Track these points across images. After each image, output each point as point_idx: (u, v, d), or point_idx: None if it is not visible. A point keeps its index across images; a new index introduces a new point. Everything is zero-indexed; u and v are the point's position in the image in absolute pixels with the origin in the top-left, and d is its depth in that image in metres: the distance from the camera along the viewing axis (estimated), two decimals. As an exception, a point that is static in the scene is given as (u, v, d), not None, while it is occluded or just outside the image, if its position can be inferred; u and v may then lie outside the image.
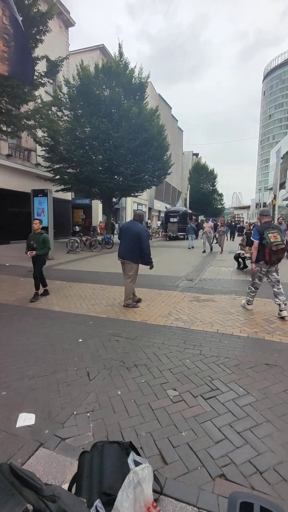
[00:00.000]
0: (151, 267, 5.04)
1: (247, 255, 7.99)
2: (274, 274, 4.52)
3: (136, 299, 5.18)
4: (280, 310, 4.35)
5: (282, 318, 4.30)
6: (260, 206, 52.11)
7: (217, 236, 14.07)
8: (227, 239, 14.06)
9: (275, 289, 4.46)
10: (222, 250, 13.33)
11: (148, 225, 29.23)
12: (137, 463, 1.50)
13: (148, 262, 4.93)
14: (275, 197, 21.22)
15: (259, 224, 4.75)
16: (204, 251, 13.14)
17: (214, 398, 2.42)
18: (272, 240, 4.27)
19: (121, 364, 3.01)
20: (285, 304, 4.36)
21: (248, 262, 8.46)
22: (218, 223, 16.34)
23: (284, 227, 10.00)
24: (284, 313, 4.29)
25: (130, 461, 1.50)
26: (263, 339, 3.61)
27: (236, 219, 49.93)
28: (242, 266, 8.53)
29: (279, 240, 4.28)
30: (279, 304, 4.36)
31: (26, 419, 2.20)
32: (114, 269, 8.76)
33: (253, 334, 3.76)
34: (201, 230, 14.78)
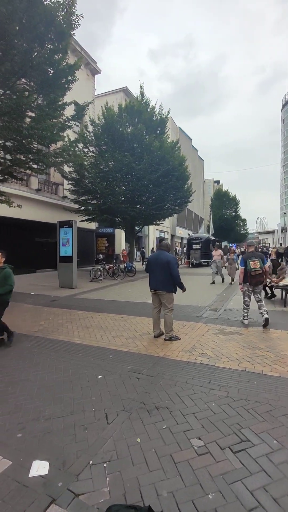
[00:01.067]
0: (184, 290, 5.05)
1: (274, 283, 7.58)
2: (258, 294, 5.62)
3: (159, 333, 5.02)
4: (262, 315, 5.40)
5: (266, 321, 5.33)
6: (286, 231, 50.67)
7: (226, 265, 12.39)
8: (237, 268, 11.88)
9: (258, 305, 5.58)
10: (232, 280, 11.86)
11: (178, 252, 29.22)
12: (156, 537, 1.31)
13: (180, 287, 4.92)
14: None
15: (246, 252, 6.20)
16: (213, 282, 11.79)
17: (244, 451, 2.15)
18: (252, 267, 5.43)
19: (142, 406, 2.82)
20: (266, 312, 5.45)
21: (275, 291, 8.03)
22: (240, 249, 14.94)
23: None
24: (265, 315, 5.35)
25: (148, 533, 1.31)
26: (298, 380, 3.26)
27: (261, 244, 48.62)
28: (269, 295, 8.08)
29: (258, 267, 5.40)
30: (261, 313, 5.44)
31: (39, 468, 2.06)
32: (136, 298, 8.67)
33: (285, 373, 3.42)
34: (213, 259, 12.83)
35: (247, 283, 5.58)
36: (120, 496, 1.81)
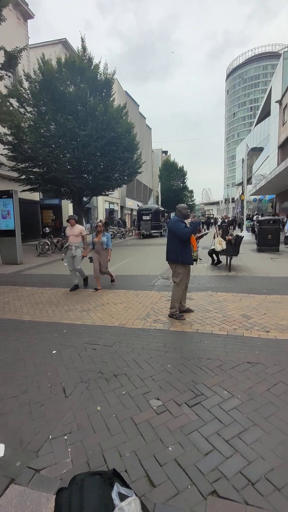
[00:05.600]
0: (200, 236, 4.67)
1: (219, 248, 8.02)
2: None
3: (185, 309, 4.52)
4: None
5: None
6: (229, 202, 53.75)
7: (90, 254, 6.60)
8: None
9: None
10: (112, 280, 6.83)
11: (119, 223, 28.83)
12: (122, 496, 1.34)
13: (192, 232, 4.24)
14: (243, 192, 21.93)
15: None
16: (74, 287, 6.38)
17: (199, 404, 2.32)
18: None
19: (100, 375, 2.82)
20: None
21: (221, 257, 8.58)
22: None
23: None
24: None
25: (114, 495, 1.33)
26: (242, 335, 3.59)
27: (208, 215, 51.04)
28: (216, 261, 8.61)
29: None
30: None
31: (-7, 452, 1.94)
32: (88, 271, 8.48)
33: (232, 331, 3.74)
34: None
35: None
36: (83, 463, 1.81)
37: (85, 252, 6.57)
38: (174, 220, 4.33)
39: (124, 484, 1.45)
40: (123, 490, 1.37)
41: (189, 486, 1.63)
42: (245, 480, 1.65)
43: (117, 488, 1.37)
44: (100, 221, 6.79)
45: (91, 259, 6.52)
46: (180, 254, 4.24)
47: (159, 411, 2.27)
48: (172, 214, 45.16)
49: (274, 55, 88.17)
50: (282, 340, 3.39)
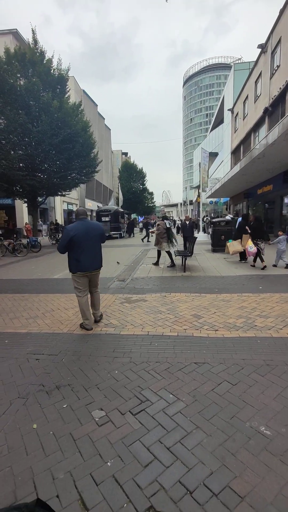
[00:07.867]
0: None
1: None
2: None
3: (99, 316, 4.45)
4: None
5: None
6: (187, 204, 55.54)
7: None
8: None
9: None
10: None
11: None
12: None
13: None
14: (199, 195, 22.75)
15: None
16: None
17: (143, 411, 2.23)
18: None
19: (40, 388, 2.60)
20: None
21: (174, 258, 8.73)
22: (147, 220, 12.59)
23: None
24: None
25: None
26: (192, 336, 3.61)
27: (168, 215, 52.32)
28: (170, 263, 8.72)
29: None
30: None
31: None
32: (41, 275, 8.03)
33: (182, 331, 3.75)
34: None
35: None
36: (9, 494, 1.61)
37: None
38: (103, 229, 4.39)
39: (49, 514, 1.29)
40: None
41: (125, 505, 1.52)
42: (183, 489, 1.59)
43: (37, 523, 1.20)
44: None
45: None
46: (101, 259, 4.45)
47: (101, 422, 2.14)
48: (133, 215, 45.30)
49: (227, 66, 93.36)
50: (228, 338, 3.48)
